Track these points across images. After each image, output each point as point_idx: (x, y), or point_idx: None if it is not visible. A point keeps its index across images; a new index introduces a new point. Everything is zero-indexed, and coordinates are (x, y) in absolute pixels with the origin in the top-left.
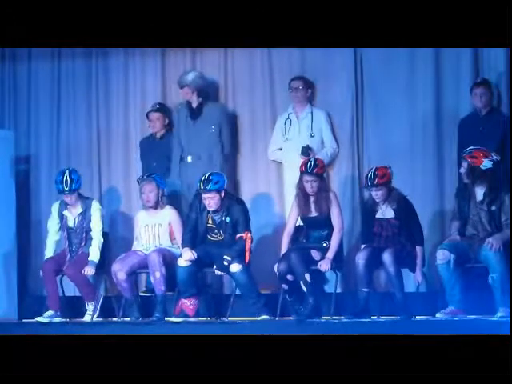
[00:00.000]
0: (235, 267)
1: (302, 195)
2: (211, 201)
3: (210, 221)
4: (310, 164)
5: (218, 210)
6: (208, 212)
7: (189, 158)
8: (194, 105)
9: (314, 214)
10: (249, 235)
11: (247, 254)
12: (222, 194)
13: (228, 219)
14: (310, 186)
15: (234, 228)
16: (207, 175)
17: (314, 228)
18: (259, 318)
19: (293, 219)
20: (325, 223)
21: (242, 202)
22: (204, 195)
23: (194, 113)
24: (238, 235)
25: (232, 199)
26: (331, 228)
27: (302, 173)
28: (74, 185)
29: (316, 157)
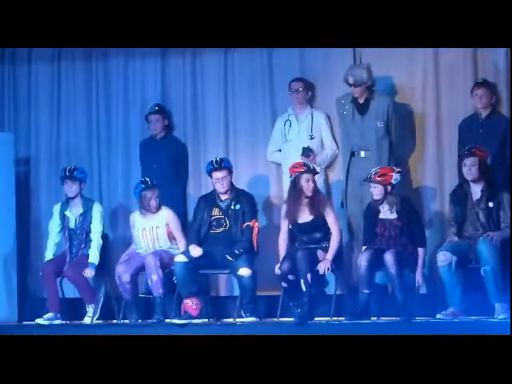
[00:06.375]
0: (245, 271)
1: (294, 200)
2: (224, 181)
3: (216, 211)
4: (309, 164)
5: (226, 197)
6: (215, 203)
7: (362, 153)
8: (361, 100)
9: (307, 218)
10: (256, 223)
11: (255, 242)
12: (232, 177)
13: (238, 206)
14: (309, 185)
15: (243, 216)
16: (217, 158)
17: (306, 233)
18: (248, 320)
19: (285, 225)
20: (317, 228)
21: (250, 194)
22: (217, 175)
23: (362, 108)
24: (246, 223)
25: (241, 190)
26: (324, 231)
27: (300, 173)
28: (76, 173)
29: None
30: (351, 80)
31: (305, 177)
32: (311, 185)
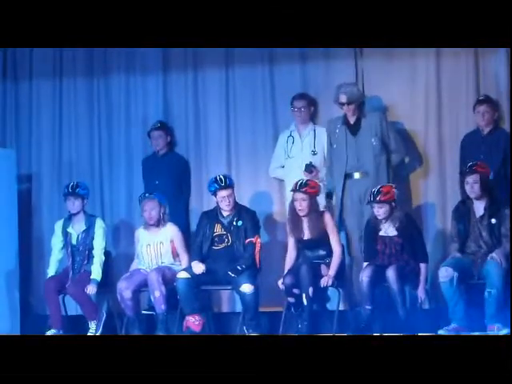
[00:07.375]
0: (247, 288)
1: (294, 217)
2: (230, 199)
3: (219, 228)
4: (301, 183)
5: (228, 213)
6: (217, 219)
7: (356, 175)
8: (352, 120)
9: (307, 236)
10: (258, 240)
11: (257, 258)
12: (235, 194)
13: (240, 223)
14: (299, 204)
15: (245, 232)
16: (221, 176)
17: (310, 249)
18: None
19: (292, 241)
20: (321, 245)
21: (252, 210)
22: (223, 193)
23: (353, 127)
24: (248, 240)
25: (243, 206)
26: (327, 248)
27: (293, 191)
28: (78, 189)
29: (311, 179)
30: (344, 98)
31: (296, 196)
32: (303, 204)
